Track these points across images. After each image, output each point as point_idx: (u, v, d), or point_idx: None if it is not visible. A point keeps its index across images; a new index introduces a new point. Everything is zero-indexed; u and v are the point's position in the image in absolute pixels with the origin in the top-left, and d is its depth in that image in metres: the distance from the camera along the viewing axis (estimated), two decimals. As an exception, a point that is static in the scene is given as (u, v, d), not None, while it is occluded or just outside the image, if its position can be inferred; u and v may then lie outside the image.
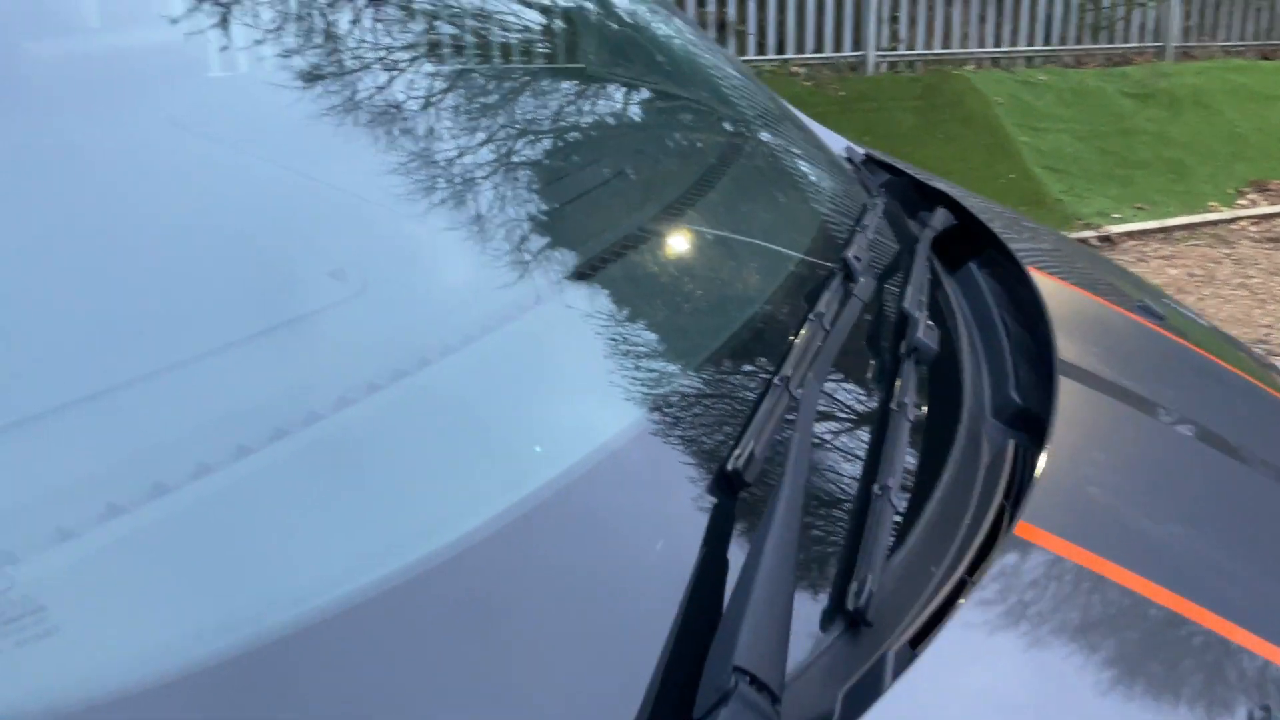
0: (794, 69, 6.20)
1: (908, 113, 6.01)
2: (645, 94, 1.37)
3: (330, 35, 0.97)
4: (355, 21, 1.00)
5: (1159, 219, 5.36)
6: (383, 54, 1.00)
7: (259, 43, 0.97)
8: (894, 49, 6.50)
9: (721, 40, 6.07)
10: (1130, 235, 5.21)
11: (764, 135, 1.38)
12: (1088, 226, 5.24)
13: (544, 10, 1.35)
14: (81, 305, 0.65)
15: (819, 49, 6.30)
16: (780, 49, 6.21)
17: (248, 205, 0.80)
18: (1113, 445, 0.84)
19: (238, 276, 0.71)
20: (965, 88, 6.23)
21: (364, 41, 0.99)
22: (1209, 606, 0.69)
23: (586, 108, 1.23)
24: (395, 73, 1.01)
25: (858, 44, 6.38)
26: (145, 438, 0.60)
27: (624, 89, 1.33)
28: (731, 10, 6.01)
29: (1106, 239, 5.15)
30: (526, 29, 1.29)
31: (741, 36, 6.09)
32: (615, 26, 1.48)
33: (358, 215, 0.85)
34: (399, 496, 0.61)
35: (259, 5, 0.97)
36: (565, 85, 1.25)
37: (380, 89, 0.94)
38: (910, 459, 0.81)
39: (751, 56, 6.11)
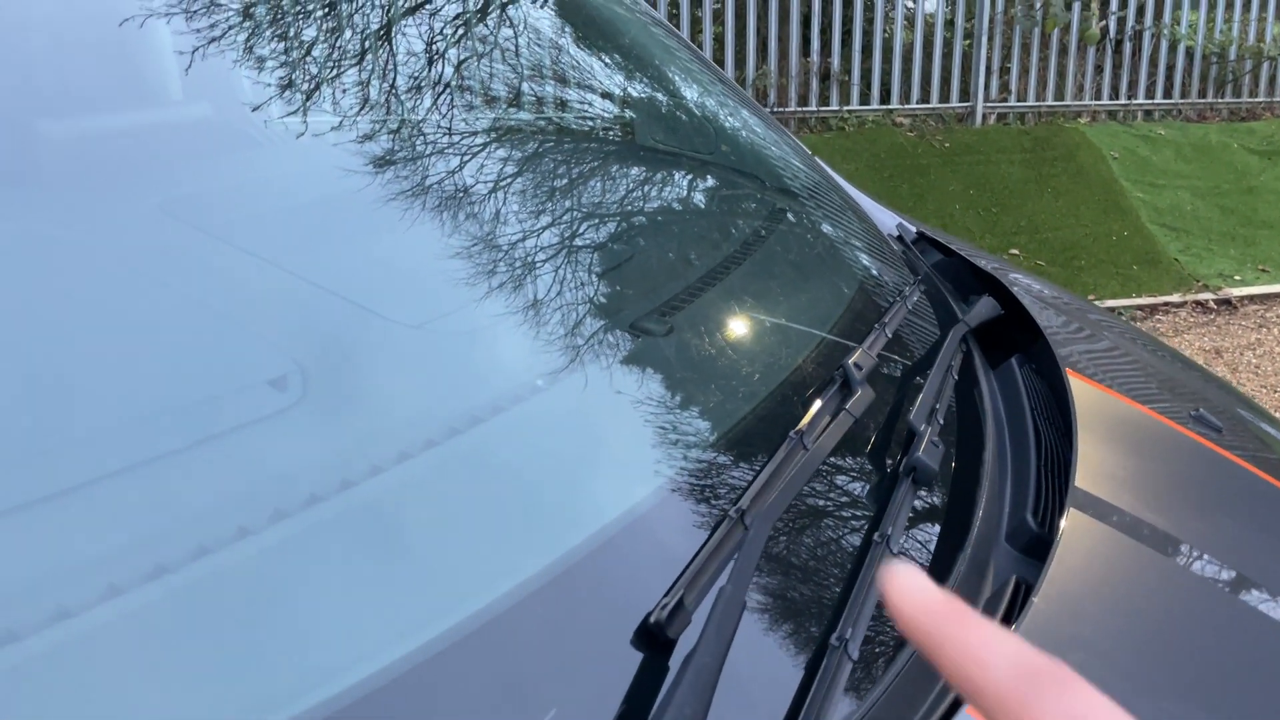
0: (898, 119, 6.09)
1: (1016, 166, 5.82)
2: (668, 164, 1.33)
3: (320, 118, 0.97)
4: (341, 112, 0.99)
5: (1284, 283, 5.06)
6: (376, 131, 0.99)
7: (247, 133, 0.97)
8: (1004, 100, 6.32)
9: (824, 90, 6.01)
10: (1252, 299, 4.92)
11: (800, 216, 1.33)
12: (1205, 288, 4.97)
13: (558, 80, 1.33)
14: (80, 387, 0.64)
15: (925, 99, 6.18)
16: (884, 99, 6.11)
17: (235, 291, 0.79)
18: (1116, 598, 0.75)
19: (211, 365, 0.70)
20: (1078, 141, 6.02)
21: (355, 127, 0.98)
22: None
23: (603, 180, 1.20)
24: (402, 148, 0.99)
25: (965, 94, 6.23)
26: (145, 523, 0.59)
27: (637, 156, 1.29)
28: (836, 60, 5.94)
29: (1226, 302, 4.88)
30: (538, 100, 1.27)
31: (845, 86, 6.02)
32: (637, 93, 1.45)
33: (371, 296, 0.84)
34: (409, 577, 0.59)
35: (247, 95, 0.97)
36: (585, 155, 1.23)
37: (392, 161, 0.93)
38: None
39: (855, 106, 6.03)
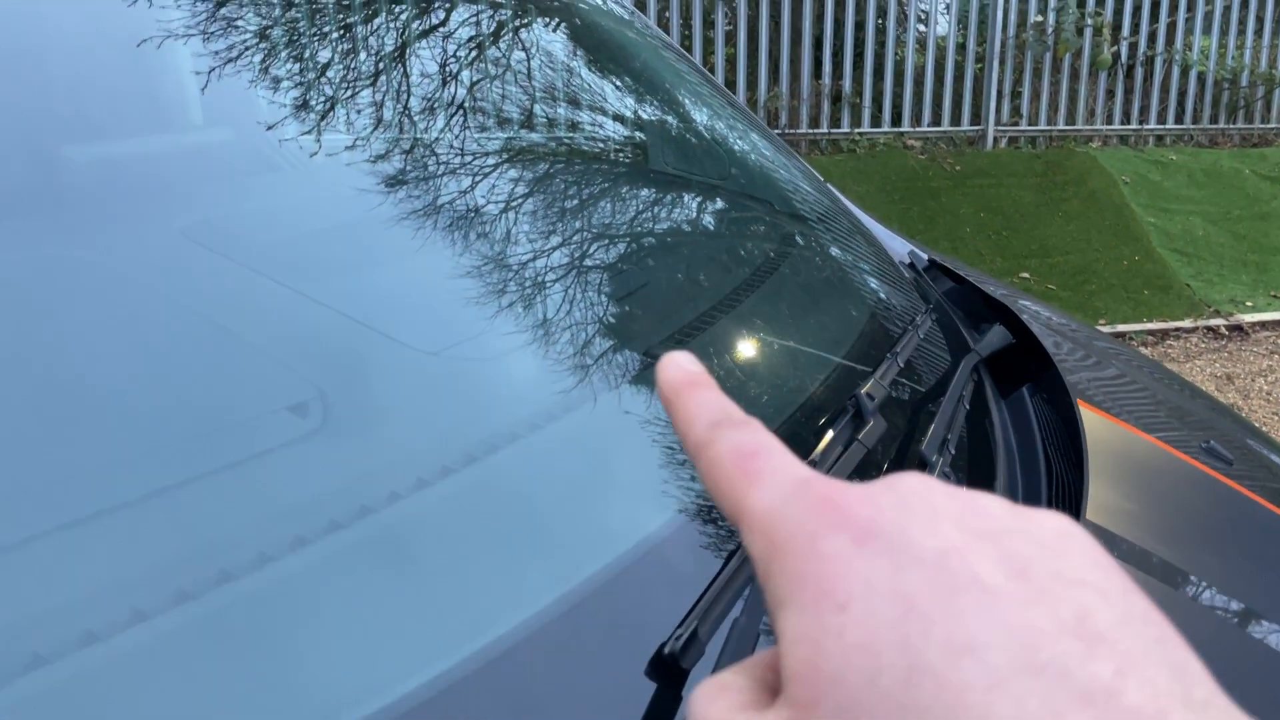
0: (909, 142, 6.11)
1: (1027, 190, 5.83)
2: (680, 189, 1.34)
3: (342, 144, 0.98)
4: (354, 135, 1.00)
5: (1296, 309, 5.05)
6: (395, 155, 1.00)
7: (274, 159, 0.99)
8: (1015, 124, 6.34)
9: (835, 113, 6.04)
10: (1264, 325, 4.91)
11: (811, 242, 1.34)
12: (1217, 314, 4.96)
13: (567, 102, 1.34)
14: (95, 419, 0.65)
15: (936, 122, 6.20)
16: (896, 121, 6.13)
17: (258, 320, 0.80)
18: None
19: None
20: (1089, 165, 6.02)
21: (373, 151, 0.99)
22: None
23: (616, 206, 1.21)
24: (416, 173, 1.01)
25: (976, 118, 6.25)
26: (170, 549, 0.60)
27: (650, 181, 1.30)
28: (847, 83, 5.97)
29: (1238, 328, 4.87)
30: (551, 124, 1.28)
31: (856, 108, 6.04)
32: (649, 116, 1.47)
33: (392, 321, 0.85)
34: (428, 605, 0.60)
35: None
36: (598, 181, 1.24)
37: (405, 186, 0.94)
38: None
39: (866, 129, 6.05)
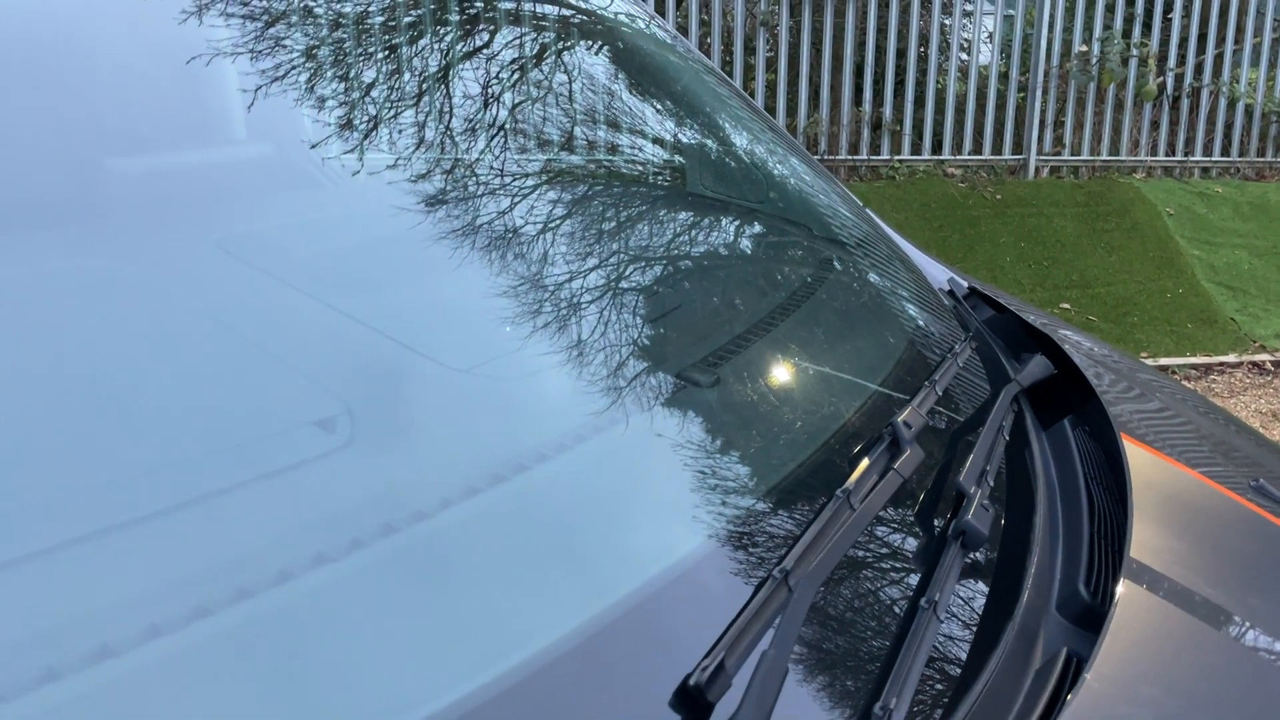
0: (949, 170, 6.07)
1: (1069, 220, 5.77)
2: (718, 212, 1.33)
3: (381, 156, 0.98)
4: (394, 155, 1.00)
5: (1345, 346, 4.94)
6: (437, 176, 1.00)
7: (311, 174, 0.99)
8: (1057, 153, 6.28)
9: (875, 139, 6.01)
10: (1312, 362, 4.81)
11: (850, 268, 1.32)
12: (1263, 349, 4.87)
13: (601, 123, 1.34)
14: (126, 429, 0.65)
15: (977, 151, 6.15)
16: (936, 149, 6.09)
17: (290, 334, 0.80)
18: (1173, 679, 0.72)
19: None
20: (1133, 196, 5.95)
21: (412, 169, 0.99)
22: None
23: (653, 227, 1.20)
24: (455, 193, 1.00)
25: (1018, 147, 6.20)
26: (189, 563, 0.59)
27: (688, 203, 1.29)
28: (888, 110, 5.95)
29: (1284, 365, 4.77)
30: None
31: (896, 136, 6.01)
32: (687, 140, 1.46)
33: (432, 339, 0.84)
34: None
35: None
36: (635, 202, 1.23)
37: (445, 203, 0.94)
38: (937, 667, 0.72)
39: (906, 156, 6.02)
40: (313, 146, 1.01)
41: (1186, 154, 6.43)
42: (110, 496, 0.58)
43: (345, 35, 1.12)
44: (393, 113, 1.08)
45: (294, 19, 1.08)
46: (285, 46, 1.04)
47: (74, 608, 0.52)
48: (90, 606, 0.53)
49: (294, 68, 1.03)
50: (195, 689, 0.53)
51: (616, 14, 1.58)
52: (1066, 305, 5.11)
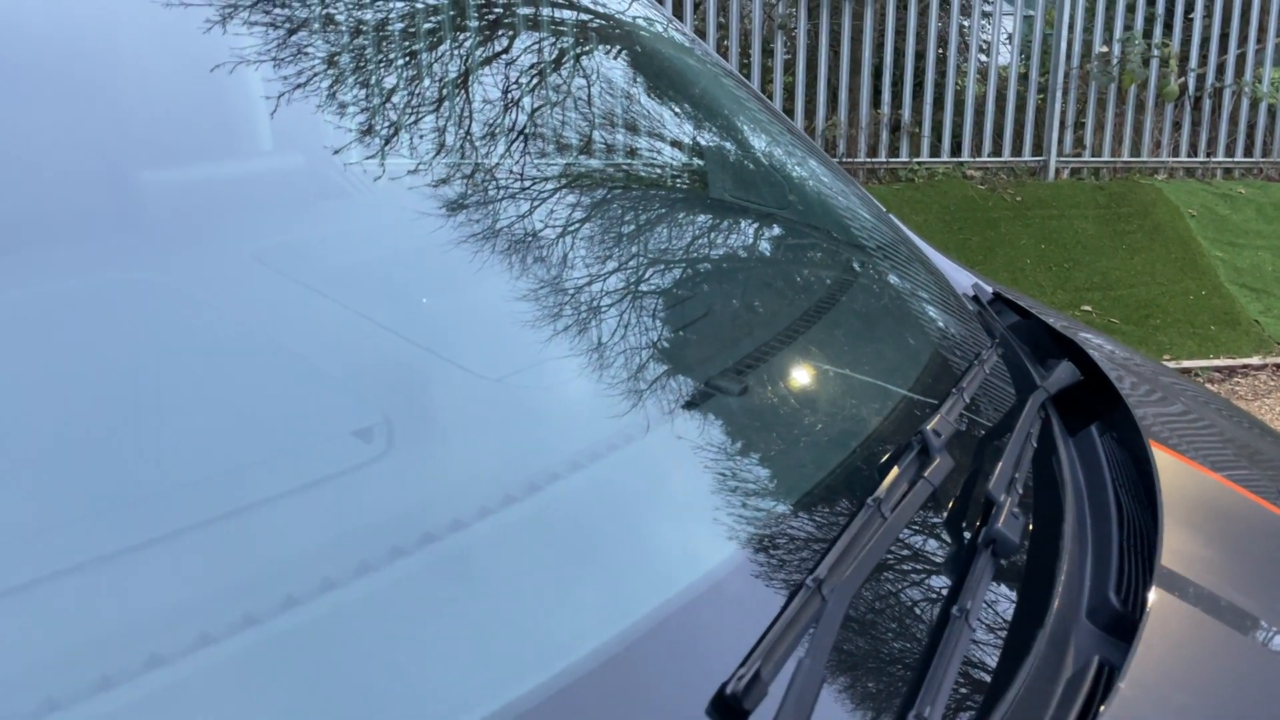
0: (969, 172, 6.05)
1: (1089, 221, 5.74)
2: (741, 219, 1.33)
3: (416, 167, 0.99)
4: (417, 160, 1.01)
5: (1371, 348, 4.89)
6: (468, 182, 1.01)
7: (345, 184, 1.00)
8: (1077, 154, 6.25)
9: (894, 142, 6.00)
10: (1336, 364, 4.77)
11: (874, 274, 1.32)
12: (1287, 352, 4.83)
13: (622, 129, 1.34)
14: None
15: (996, 152, 6.13)
16: (955, 151, 6.07)
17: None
18: (1206, 687, 0.73)
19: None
20: (1154, 197, 5.91)
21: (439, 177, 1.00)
22: None
23: (677, 236, 1.21)
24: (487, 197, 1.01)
25: (1038, 148, 6.17)
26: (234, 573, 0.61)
27: (711, 210, 1.30)
28: (906, 112, 5.93)
29: (1308, 367, 4.73)
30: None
31: (915, 138, 6.00)
32: (711, 145, 1.46)
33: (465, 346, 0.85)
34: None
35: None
36: (659, 210, 1.24)
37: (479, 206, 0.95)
38: (970, 675, 0.72)
39: (925, 158, 6.00)
40: (338, 154, 1.02)
41: (1209, 155, 6.39)
42: (157, 506, 0.59)
43: (366, 43, 1.14)
44: (418, 121, 1.09)
45: (319, 28, 1.09)
46: (308, 55, 1.05)
47: (125, 616, 0.53)
48: (140, 614, 0.54)
49: (317, 76, 1.05)
50: (240, 694, 0.54)
51: (635, 18, 1.59)
52: (1088, 308, 5.09)
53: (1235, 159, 6.43)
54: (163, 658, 0.53)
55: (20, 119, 0.83)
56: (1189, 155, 6.37)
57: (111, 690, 0.50)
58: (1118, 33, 6.06)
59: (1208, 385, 4.54)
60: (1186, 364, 4.68)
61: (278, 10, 1.07)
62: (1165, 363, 4.60)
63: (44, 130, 0.84)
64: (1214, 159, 6.39)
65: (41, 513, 0.58)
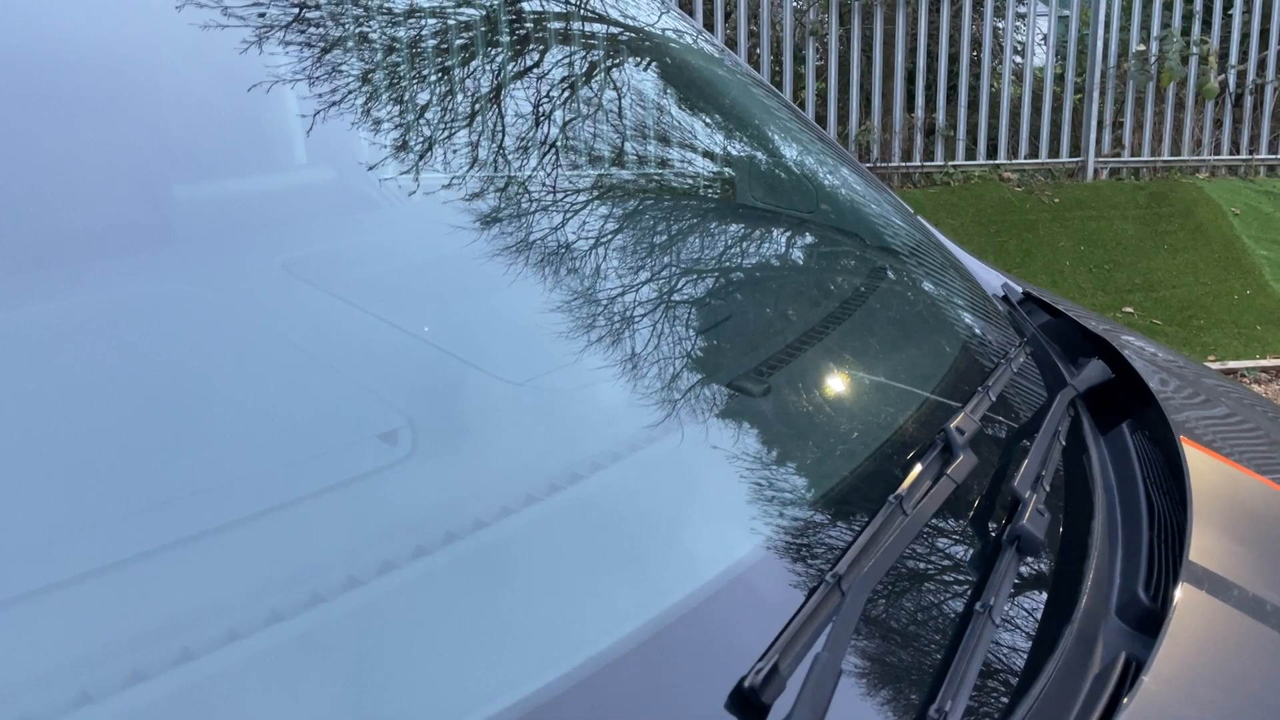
0: (1005, 174, 6.00)
1: (1130, 222, 5.66)
2: (768, 222, 1.34)
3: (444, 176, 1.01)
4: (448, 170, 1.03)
5: None
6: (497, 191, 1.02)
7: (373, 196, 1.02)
8: (1116, 154, 6.17)
9: (928, 145, 5.97)
10: (1387, 363, 4.66)
11: (901, 275, 1.32)
12: (1336, 351, 4.73)
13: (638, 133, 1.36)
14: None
15: (1033, 154, 6.07)
16: (991, 154, 6.03)
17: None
18: (1233, 681, 0.72)
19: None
20: (1196, 196, 5.82)
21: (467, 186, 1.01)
22: None
23: (704, 238, 1.21)
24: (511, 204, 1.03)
25: (1075, 149, 6.10)
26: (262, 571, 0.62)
27: (738, 214, 1.30)
28: (941, 115, 5.90)
29: (1358, 366, 4.63)
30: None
31: (950, 141, 5.96)
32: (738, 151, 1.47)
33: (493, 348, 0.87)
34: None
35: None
36: (686, 214, 1.24)
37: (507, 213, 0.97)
38: (993, 670, 0.72)
39: (960, 161, 5.96)
40: (370, 169, 1.05)
41: (1251, 152, 6.28)
42: (191, 507, 0.61)
43: (399, 59, 1.16)
44: (446, 133, 1.11)
45: (352, 46, 1.12)
46: (342, 72, 1.08)
47: (157, 613, 0.55)
48: (172, 611, 0.55)
49: (351, 92, 1.07)
50: (271, 690, 0.55)
51: (664, 30, 1.60)
52: (1130, 309, 5.02)
53: (1278, 156, 6.32)
54: (195, 653, 0.54)
55: (62, 137, 0.86)
56: (1230, 153, 6.27)
57: (144, 684, 0.51)
58: (1155, 31, 5.99)
59: (1254, 386, 4.46)
60: (1232, 364, 4.60)
61: (313, 30, 1.09)
62: (1210, 364, 4.52)
63: (87, 148, 0.87)
64: (1256, 156, 6.28)
65: (82, 514, 0.60)
